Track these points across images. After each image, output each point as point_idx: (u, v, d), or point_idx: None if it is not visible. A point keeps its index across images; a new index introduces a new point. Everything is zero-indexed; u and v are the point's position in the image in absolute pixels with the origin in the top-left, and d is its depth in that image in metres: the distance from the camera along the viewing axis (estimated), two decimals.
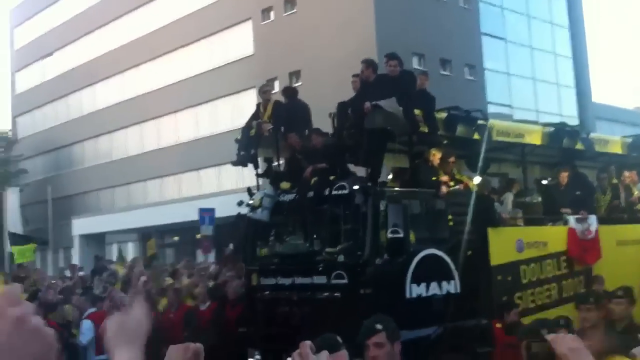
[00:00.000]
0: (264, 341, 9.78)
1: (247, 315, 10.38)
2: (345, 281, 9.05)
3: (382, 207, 9.14)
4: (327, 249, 9.54)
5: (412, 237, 9.31)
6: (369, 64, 10.51)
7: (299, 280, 9.68)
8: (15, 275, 17.40)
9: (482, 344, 9.15)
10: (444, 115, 10.56)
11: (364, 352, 4.43)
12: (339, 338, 3.60)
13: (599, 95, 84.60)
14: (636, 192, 13.48)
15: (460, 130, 10.55)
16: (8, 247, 23.18)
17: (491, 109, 36.47)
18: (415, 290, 9.18)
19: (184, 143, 41.31)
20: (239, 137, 11.35)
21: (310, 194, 9.93)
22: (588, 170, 13.31)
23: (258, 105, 11.97)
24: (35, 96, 53.82)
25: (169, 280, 14.03)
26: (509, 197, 12.15)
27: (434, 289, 9.37)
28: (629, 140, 13.53)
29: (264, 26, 38.00)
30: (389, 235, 8.83)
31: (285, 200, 10.35)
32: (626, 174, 13.36)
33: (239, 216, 10.77)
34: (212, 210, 22.41)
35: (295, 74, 35.42)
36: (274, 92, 12.94)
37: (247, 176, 16.90)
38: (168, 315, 11.39)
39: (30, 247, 19.48)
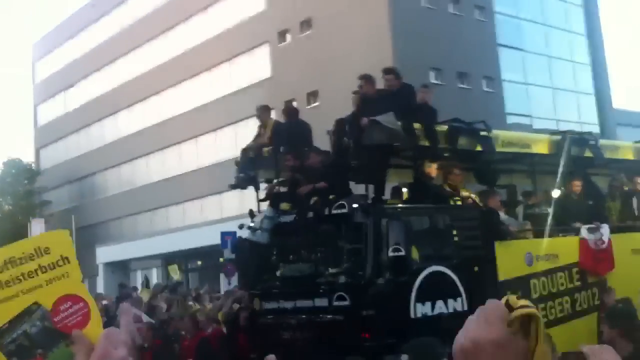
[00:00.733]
0: None
1: (252, 340, 10.16)
2: (347, 303, 8.83)
3: (383, 225, 8.91)
4: (329, 270, 9.32)
5: (416, 254, 9.08)
6: (367, 79, 10.36)
7: (301, 303, 9.46)
8: None
9: None
10: (445, 128, 10.32)
11: None
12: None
13: (621, 101, 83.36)
14: None
15: (463, 142, 10.30)
16: None
17: (510, 119, 36.12)
18: (421, 310, 8.94)
19: (205, 167, 41.33)
20: (238, 159, 11.22)
21: (310, 214, 9.74)
22: (599, 178, 12.95)
23: (259, 127, 11.86)
24: (58, 128, 54.47)
25: (193, 306, 13.94)
26: (521, 210, 11.85)
27: (440, 307, 9.10)
28: None
29: (281, 48, 38.09)
30: (391, 254, 8.62)
31: (286, 221, 10.16)
32: (638, 180, 12.93)
33: (240, 240, 10.60)
34: (234, 234, 22.27)
35: (313, 94, 35.38)
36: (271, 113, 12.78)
37: None
38: (184, 342, 11.22)
39: None
